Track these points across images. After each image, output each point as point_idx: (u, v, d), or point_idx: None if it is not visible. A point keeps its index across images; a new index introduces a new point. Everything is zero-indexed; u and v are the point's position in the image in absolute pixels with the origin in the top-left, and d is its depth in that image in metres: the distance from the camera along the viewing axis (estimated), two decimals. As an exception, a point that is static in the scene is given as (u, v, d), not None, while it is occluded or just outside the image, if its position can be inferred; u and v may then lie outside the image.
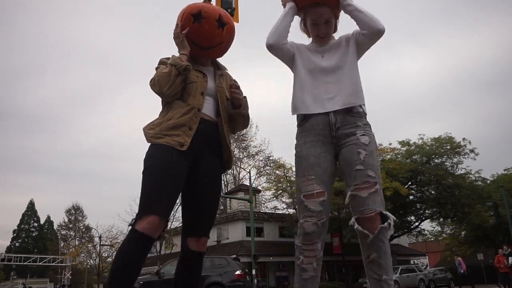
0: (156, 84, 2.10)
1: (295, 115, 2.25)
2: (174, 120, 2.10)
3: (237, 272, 9.63)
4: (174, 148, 2.05)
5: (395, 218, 2.03)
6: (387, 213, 2.00)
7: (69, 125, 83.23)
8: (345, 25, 2.30)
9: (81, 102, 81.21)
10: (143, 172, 2.06)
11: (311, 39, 2.33)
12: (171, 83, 2.08)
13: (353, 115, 2.11)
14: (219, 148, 2.26)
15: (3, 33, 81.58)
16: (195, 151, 2.13)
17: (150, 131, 2.13)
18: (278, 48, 2.22)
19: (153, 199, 1.97)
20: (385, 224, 1.96)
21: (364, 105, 2.18)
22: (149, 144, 2.13)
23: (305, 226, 2.04)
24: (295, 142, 2.22)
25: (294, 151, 2.20)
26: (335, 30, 2.32)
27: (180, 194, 2.18)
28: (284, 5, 2.30)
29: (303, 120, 2.17)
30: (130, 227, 1.96)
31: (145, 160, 2.09)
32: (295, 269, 2.13)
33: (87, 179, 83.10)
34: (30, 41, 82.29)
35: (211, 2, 2.40)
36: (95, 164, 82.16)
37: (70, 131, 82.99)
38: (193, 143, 2.10)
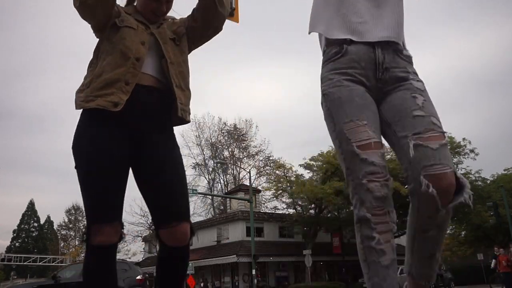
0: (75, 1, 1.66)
1: (321, 48, 1.76)
2: (106, 76, 1.69)
3: (138, 277, 9.88)
4: (109, 118, 1.67)
5: (470, 187, 1.52)
6: (462, 177, 1.47)
7: (70, 125, 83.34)
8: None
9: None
10: (77, 166, 1.70)
11: None
12: None
13: (404, 58, 1.64)
14: (167, 118, 1.86)
15: (3, 33, 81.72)
16: (135, 123, 1.75)
17: (80, 94, 1.72)
18: None
19: (98, 205, 1.66)
20: (462, 198, 1.48)
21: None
22: (80, 111, 1.75)
23: (374, 188, 1.42)
24: (321, 84, 1.67)
25: (323, 95, 1.64)
26: None
27: (137, 186, 1.85)
28: None
29: (339, 53, 1.61)
30: (85, 241, 1.68)
31: (75, 145, 1.71)
32: (367, 255, 1.46)
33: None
34: (30, 41, 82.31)
35: None
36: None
37: (70, 131, 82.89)
38: (132, 112, 1.71)
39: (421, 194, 1.43)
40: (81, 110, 1.75)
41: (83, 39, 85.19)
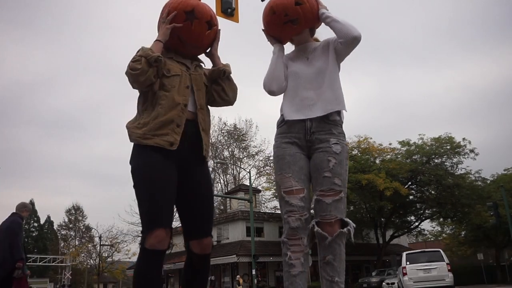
0: (128, 76, 2.08)
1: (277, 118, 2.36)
2: (161, 118, 2.07)
3: None
4: (163, 149, 2.04)
5: (354, 225, 2.13)
6: (348, 220, 2.11)
7: (70, 127, 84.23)
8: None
9: (93, 110, 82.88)
10: (136, 184, 2.06)
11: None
12: (142, 74, 2.05)
13: (329, 122, 2.20)
14: (201, 143, 2.21)
15: (25, 49, 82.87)
16: (182, 153, 2.12)
17: (137, 131, 2.10)
18: (281, 91, 2.33)
19: (154, 213, 1.99)
20: (345, 229, 2.08)
21: (341, 113, 2.26)
22: (134, 143, 2.12)
23: (290, 221, 2.10)
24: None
25: (273, 151, 2.32)
26: (312, 34, 2.47)
27: (176, 201, 2.20)
28: (272, 44, 2.42)
29: (282, 122, 2.28)
30: (140, 246, 1.99)
31: (135, 169, 2.07)
32: (283, 267, 2.14)
33: (88, 180, 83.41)
34: (50, 55, 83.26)
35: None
36: (98, 166, 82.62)
37: (70, 132, 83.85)
38: (181, 144, 2.10)
39: (315, 232, 2.09)
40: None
41: (98, 53, 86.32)
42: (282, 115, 2.29)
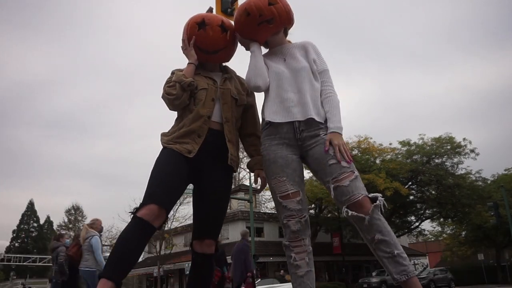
0: (165, 99, 2.30)
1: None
2: (185, 129, 2.26)
3: None
4: (181, 154, 2.22)
5: (382, 196, 2.02)
6: (374, 194, 2.02)
7: (79, 131, 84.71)
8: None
9: (93, 110, 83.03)
10: (152, 171, 2.23)
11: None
12: (177, 99, 2.27)
13: (316, 120, 2.19)
14: (226, 153, 2.33)
15: (26, 50, 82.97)
16: (201, 159, 2.26)
17: (165, 137, 2.33)
18: (266, 87, 2.29)
19: (153, 190, 2.11)
20: (377, 202, 1.97)
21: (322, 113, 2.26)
22: (162, 148, 2.32)
23: (290, 225, 2.11)
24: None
25: (262, 155, 2.29)
26: (286, 35, 2.45)
27: (192, 203, 2.40)
28: (248, 48, 2.39)
29: (268, 124, 2.24)
30: (131, 215, 2.07)
31: (154, 162, 2.27)
32: (289, 269, 2.15)
33: (88, 180, 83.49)
34: (51, 55, 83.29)
35: (213, 11, 2.59)
36: (98, 166, 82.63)
37: (69, 133, 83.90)
38: (201, 152, 2.24)
39: (349, 218, 2.00)
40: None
41: (93, 51, 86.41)
42: (264, 118, 2.28)
